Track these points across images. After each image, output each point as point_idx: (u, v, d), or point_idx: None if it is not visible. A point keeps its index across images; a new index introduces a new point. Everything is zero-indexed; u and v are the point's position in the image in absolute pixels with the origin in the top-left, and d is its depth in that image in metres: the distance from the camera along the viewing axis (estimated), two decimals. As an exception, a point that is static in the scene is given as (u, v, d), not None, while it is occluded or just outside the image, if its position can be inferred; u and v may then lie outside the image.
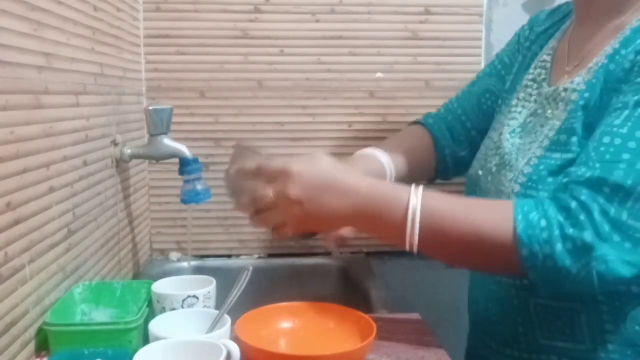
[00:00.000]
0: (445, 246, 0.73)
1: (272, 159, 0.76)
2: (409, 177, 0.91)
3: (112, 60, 1.06)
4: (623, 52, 0.74)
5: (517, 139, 0.84)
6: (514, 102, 0.89)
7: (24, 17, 0.71)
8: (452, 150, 1.01)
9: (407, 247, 0.72)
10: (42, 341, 0.73)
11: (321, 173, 0.74)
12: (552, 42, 0.90)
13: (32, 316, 0.72)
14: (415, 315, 0.91)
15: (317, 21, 1.33)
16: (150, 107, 1.06)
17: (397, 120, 1.37)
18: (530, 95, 0.87)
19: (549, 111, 0.81)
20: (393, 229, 0.72)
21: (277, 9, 1.32)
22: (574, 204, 0.66)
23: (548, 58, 0.88)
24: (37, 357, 0.73)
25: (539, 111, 0.83)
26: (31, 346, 0.72)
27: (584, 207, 0.65)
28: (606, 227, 0.64)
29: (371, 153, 0.95)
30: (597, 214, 0.64)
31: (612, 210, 0.64)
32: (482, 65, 1.37)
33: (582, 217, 0.65)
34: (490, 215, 0.70)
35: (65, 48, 0.84)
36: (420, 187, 0.73)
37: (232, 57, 1.32)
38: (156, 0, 1.30)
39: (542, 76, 0.87)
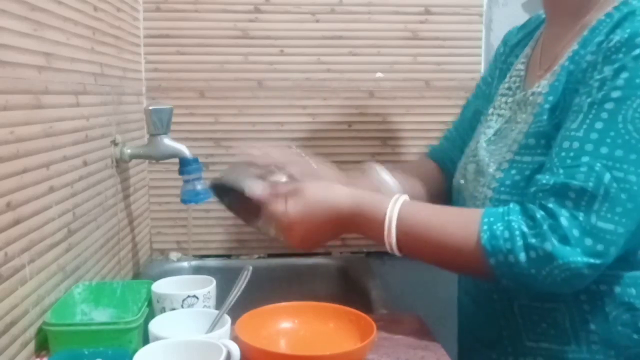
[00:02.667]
0: (422, 251, 0.78)
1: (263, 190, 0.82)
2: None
3: (112, 60, 1.06)
4: (582, 52, 0.75)
5: (492, 145, 0.85)
6: (490, 111, 0.90)
7: (24, 17, 0.71)
8: None
9: (388, 249, 0.78)
10: (42, 341, 0.73)
11: (317, 214, 0.79)
12: (526, 50, 0.90)
13: (32, 316, 0.72)
14: (415, 315, 0.91)
15: (317, 21, 1.33)
16: (150, 107, 1.06)
17: (397, 120, 1.37)
18: (506, 103, 0.88)
19: (519, 116, 0.82)
20: (375, 234, 0.78)
21: (277, 9, 1.32)
22: (540, 214, 0.68)
23: (522, 66, 0.89)
24: (37, 357, 0.73)
25: (512, 117, 0.84)
26: (31, 346, 0.72)
27: (551, 215, 0.67)
28: (576, 233, 0.66)
29: (380, 174, 0.97)
30: (564, 221, 0.66)
31: (581, 215, 0.66)
32: (482, 65, 1.37)
33: (545, 226, 0.67)
34: (460, 225, 0.73)
35: (65, 48, 0.84)
36: (401, 197, 0.78)
37: (232, 57, 1.32)
38: (156, 0, 1.30)
39: (517, 84, 0.87)
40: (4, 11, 0.66)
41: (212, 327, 0.73)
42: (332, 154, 1.36)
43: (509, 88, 0.89)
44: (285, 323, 0.82)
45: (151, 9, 1.30)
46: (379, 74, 1.35)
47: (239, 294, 0.77)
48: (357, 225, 0.80)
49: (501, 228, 0.69)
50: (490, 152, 0.84)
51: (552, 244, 0.66)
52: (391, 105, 1.37)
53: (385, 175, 0.95)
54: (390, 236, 0.76)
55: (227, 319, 0.73)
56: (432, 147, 1.07)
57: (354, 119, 1.37)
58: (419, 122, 1.38)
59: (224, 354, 0.62)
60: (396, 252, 0.77)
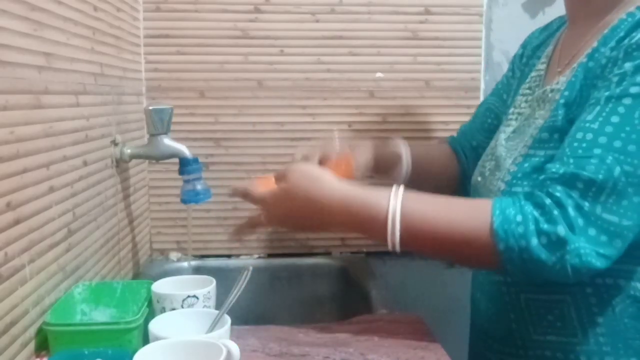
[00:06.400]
0: (427, 244, 0.76)
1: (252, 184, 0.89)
2: (428, 182, 0.94)
3: (112, 60, 1.06)
4: (602, 49, 0.76)
5: (510, 142, 0.86)
6: (510, 110, 0.92)
7: (24, 17, 0.71)
8: (469, 171, 1.02)
9: (390, 248, 0.75)
10: (42, 341, 0.73)
11: (296, 201, 0.81)
12: (547, 50, 0.91)
13: (32, 316, 0.72)
14: (415, 315, 0.91)
15: (317, 21, 1.33)
16: (150, 107, 1.06)
17: (397, 120, 1.37)
18: (526, 102, 0.88)
19: (537, 112, 0.83)
20: (375, 231, 0.76)
21: (277, 9, 1.32)
22: (548, 201, 0.68)
23: (543, 66, 0.89)
24: (37, 357, 0.73)
25: (530, 114, 0.85)
26: (31, 346, 0.72)
27: (558, 203, 0.68)
28: (580, 222, 0.66)
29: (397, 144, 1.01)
30: (571, 210, 0.67)
31: (586, 205, 0.67)
32: (482, 65, 1.37)
33: (555, 212, 0.67)
34: (469, 213, 0.73)
35: (65, 48, 0.84)
36: (401, 189, 0.76)
37: (232, 57, 1.32)
38: (156, 0, 1.30)
39: (537, 82, 0.88)
40: (4, 11, 0.66)
41: (212, 327, 0.73)
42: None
43: (529, 87, 0.90)
44: None
45: (151, 9, 1.30)
46: (379, 74, 1.35)
47: (239, 294, 0.77)
48: (352, 223, 0.78)
49: (513, 212, 0.69)
50: (508, 149, 0.85)
51: (564, 228, 0.66)
52: (391, 105, 1.37)
53: (402, 149, 0.99)
54: (394, 234, 0.74)
55: (227, 319, 0.73)
56: (453, 137, 1.10)
57: (354, 119, 1.37)
58: (419, 122, 1.37)
59: (224, 354, 0.62)
60: (398, 249, 0.75)
